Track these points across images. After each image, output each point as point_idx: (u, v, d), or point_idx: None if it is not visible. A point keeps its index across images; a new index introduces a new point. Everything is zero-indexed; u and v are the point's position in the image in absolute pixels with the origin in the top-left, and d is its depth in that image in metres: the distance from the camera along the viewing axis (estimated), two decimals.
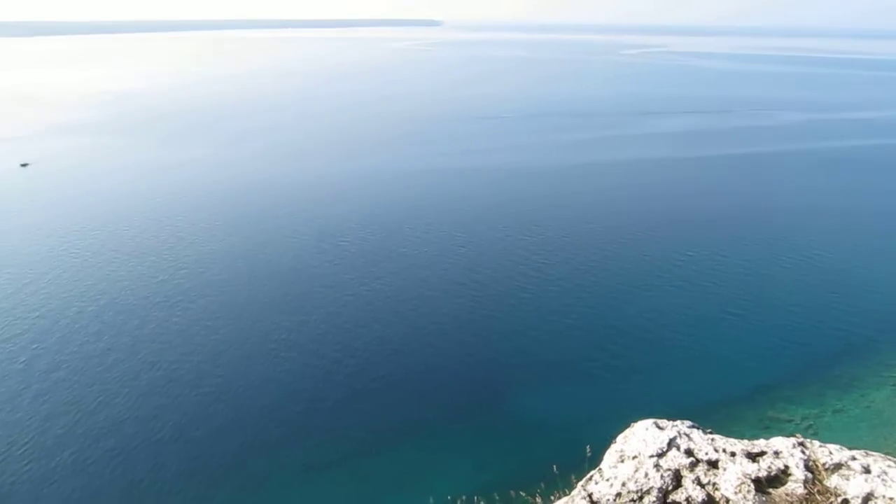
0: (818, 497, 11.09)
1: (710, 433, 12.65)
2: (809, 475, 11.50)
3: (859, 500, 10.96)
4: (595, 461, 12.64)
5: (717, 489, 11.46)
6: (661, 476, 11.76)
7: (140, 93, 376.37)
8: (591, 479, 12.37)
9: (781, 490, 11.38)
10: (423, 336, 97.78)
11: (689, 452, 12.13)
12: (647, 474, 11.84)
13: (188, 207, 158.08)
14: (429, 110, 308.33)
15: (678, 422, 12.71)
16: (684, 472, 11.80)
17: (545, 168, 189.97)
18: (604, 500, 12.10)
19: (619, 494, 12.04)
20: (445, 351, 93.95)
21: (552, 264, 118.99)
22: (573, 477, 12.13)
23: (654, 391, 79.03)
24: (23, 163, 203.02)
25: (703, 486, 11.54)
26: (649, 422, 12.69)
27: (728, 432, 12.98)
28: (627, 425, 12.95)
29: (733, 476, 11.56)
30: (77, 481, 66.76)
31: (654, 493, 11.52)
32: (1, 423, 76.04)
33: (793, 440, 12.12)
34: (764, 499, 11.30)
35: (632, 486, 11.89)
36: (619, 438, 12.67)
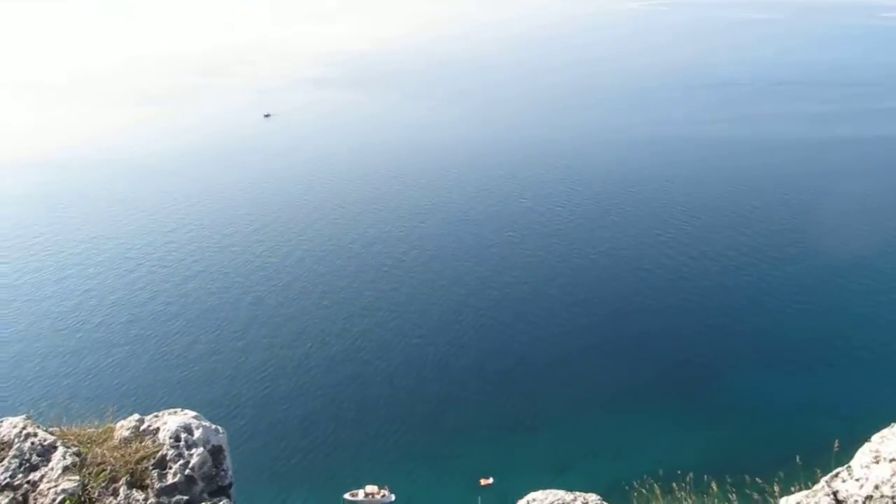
0: None
1: None
2: None
3: None
4: (843, 458, 11.63)
5: None
6: None
7: (382, 50, 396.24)
8: (837, 475, 11.40)
9: None
10: (652, 308, 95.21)
11: None
12: None
13: (417, 161, 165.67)
14: (655, 75, 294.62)
15: None
16: None
17: (787, 141, 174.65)
18: (850, 500, 11.10)
19: (869, 497, 10.98)
20: (682, 324, 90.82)
21: (790, 244, 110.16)
22: (818, 471, 11.29)
23: None
24: (266, 114, 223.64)
25: None
26: None
27: None
28: (885, 424, 11.72)
29: None
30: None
31: None
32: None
33: None
34: None
35: (886, 491, 10.79)
36: (876, 437, 11.50)
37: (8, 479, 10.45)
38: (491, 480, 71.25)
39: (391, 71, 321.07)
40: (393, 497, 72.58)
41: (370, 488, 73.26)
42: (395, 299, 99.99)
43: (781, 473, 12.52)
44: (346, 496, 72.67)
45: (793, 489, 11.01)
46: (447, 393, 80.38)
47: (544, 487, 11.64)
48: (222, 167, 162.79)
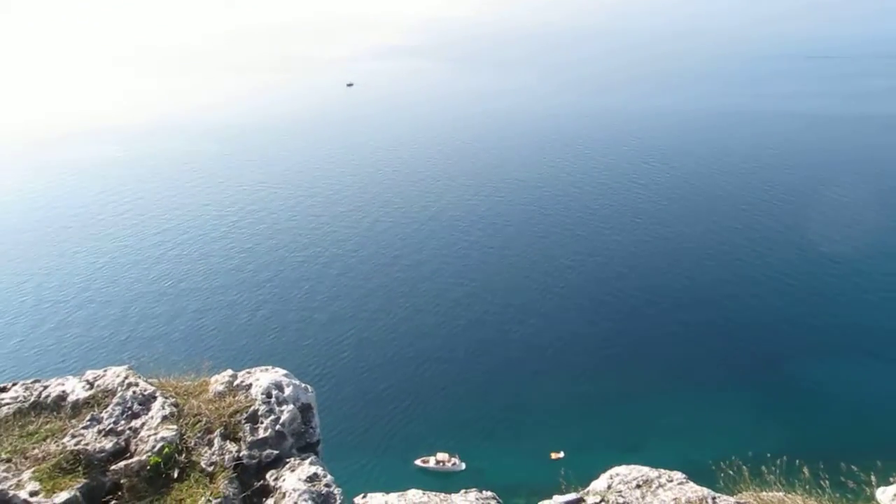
0: None
1: None
2: None
3: None
4: None
5: None
6: None
7: (472, 21, 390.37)
8: None
9: None
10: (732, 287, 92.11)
11: None
12: None
13: (500, 132, 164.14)
14: (735, 47, 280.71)
15: None
16: None
17: (878, 117, 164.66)
18: None
19: None
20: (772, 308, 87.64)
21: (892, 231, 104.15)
22: None
23: None
24: (348, 83, 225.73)
25: None
26: None
27: None
28: None
29: None
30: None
31: None
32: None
33: None
34: None
35: None
36: None
37: (112, 425, 11.02)
38: (562, 454, 71.17)
39: (483, 41, 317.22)
40: (463, 466, 73.49)
41: (441, 456, 74.37)
42: (476, 273, 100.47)
43: (879, 464, 11.99)
44: (418, 462, 74.01)
45: (892, 480, 10.57)
46: (521, 366, 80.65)
47: (618, 464, 11.53)
48: (307, 135, 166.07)
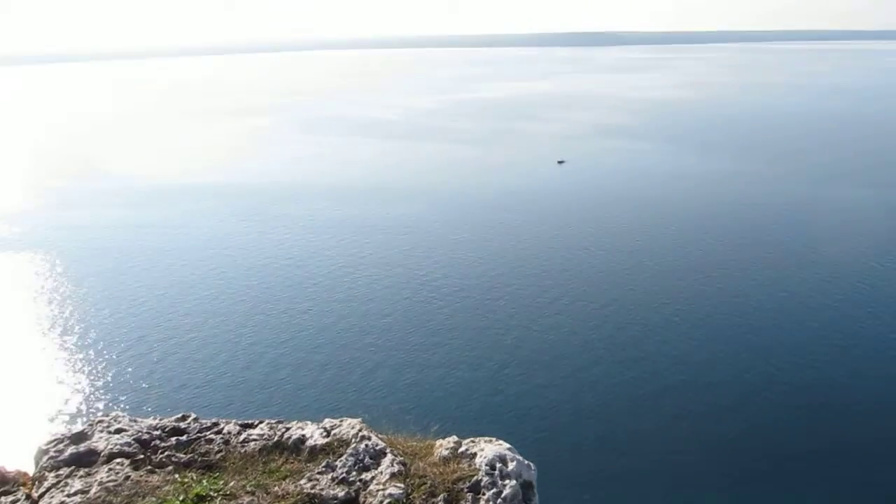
0: None
1: None
2: None
3: None
4: None
5: None
6: None
7: (680, 102, 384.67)
8: None
9: None
10: None
11: None
12: None
13: (712, 217, 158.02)
14: None
15: None
16: None
17: None
18: None
19: None
20: None
21: None
22: None
23: None
24: (559, 160, 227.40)
25: None
26: None
27: None
28: None
29: None
30: None
31: None
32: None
33: None
34: None
35: None
36: None
37: (344, 474, 11.60)
38: None
39: (701, 122, 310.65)
40: None
41: None
42: (686, 342, 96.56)
43: None
44: None
45: None
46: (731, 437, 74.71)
47: None
48: (518, 209, 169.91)
